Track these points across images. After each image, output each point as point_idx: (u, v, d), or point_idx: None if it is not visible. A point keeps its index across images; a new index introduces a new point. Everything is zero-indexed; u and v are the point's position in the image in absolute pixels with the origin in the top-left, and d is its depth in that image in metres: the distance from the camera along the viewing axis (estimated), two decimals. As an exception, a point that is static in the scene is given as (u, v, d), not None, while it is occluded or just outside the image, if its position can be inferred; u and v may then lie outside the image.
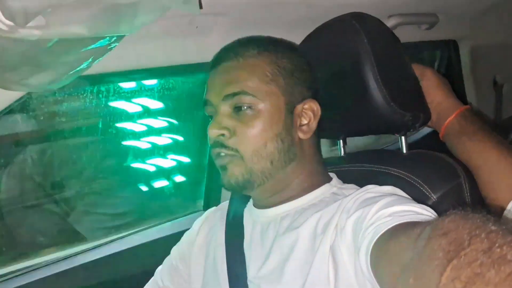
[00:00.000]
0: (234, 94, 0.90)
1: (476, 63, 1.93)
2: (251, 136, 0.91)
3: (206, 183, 1.54)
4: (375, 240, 0.71)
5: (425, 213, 0.75)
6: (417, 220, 0.71)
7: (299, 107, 0.95)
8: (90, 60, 0.93)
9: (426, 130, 1.66)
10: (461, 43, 1.87)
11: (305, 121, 0.96)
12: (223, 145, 0.92)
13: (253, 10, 1.11)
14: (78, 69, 0.94)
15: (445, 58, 1.95)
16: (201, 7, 0.91)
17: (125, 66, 1.11)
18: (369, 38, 0.99)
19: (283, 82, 0.93)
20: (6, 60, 0.72)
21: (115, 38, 0.85)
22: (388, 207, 0.76)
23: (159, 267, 1.16)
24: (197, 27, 1.11)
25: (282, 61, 0.95)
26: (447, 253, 0.47)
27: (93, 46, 0.80)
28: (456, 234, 0.48)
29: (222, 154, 0.92)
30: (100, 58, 0.96)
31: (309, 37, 1.13)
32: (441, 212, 0.75)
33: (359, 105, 1.03)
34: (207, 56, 1.09)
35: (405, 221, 0.71)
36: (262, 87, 0.91)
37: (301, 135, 0.95)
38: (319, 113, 0.96)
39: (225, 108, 0.92)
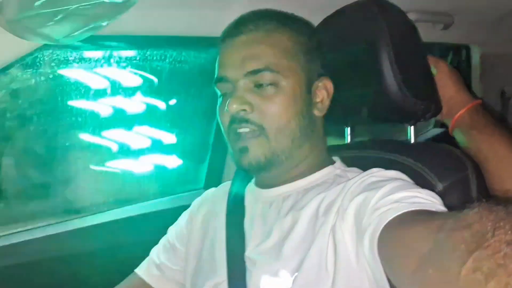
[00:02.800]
0: (258, 71, 0.88)
1: (486, 71, 1.92)
2: (275, 113, 0.89)
3: (209, 162, 1.53)
4: (383, 226, 0.70)
5: (431, 199, 0.75)
6: (432, 209, 0.70)
7: (315, 84, 0.95)
8: (107, 18, 0.93)
9: (434, 132, 1.67)
10: (473, 49, 1.87)
11: (319, 98, 0.96)
12: (246, 121, 0.89)
13: None
14: (93, 25, 0.93)
15: (455, 62, 1.95)
16: None
17: (139, 31, 1.10)
18: (388, 24, 0.99)
19: (302, 59, 0.92)
20: (28, 4, 0.71)
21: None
22: (394, 192, 0.76)
23: (154, 248, 1.15)
24: (216, -1, 1.10)
25: (302, 37, 0.94)
26: (469, 244, 0.46)
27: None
28: (480, 226, 0.47)
29: (246, 130, 0.89)
30: (116, 17, 0.95)
31: (326, 20, 1.13)
32: (446, 203, 0.76)
33: (371, 91, 1.03)
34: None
35: (418, 208, 0.70)
36: (284, 63, 0.90)
37: (316, 112, 0.95)
38: (332, 90, 0.97)
39: (245, 83, 0.89)
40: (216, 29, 1.16)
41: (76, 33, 0.90)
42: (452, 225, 0.53)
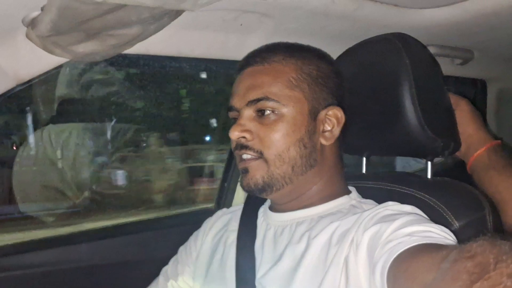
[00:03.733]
0: (258, 100, 0.91)
1: (502, 106, 1.93)
2: (275, 140, 0.91)
3: (221, 183, 1.53)
4: (393, 258, 0.70)
5: (444, 234, 0.75)
6: (441, 243, 0.70)
7: (322, 113, 0.95)
8: (136, 39, 0.94)
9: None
10: (490, 84, 1.87)
11: (328, 127, 0.96)
12: (246, 147, 0.92)
13: (298, 16, 1.12)
14: (121, 45, 0.95)
15: (471, 97, 1.95)
16: None
17: (164, 51, 1.11)
18: (410, 59, 1.00)
19: (307, 88, 0.94)
20: (64, 21, 0.72)
21: (165, 18, 0.86)
22: (407, 226, 0.76)
23: (165, 267, 1.16)
24: (241, 24, 1.11)
25: (308, 67, 0.95)
26: (471, 275, 0.48)
27: (144, 20, 0.80)
28: (482, 257, 0.49)
29: (247, 156, 0.92)
30: (144, 38, 0.97)
31: (348, 51, 1.13)
32: (463, 241, 0.76)
33: (390, 124, 1.03)
34: (245, 55, 1.10)
35: (427, 242, 0.70)
36: (285, 92, 0.92)
37: (323, 141, 0.95)
38: (343, 120, 0.97)
39: (248, 112, 0.93)
40: (239, 54, 1.18)
41: (104, 52, 0.91)
42: (456, 255, 0.54)
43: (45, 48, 0.89)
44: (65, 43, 0.85)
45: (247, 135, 0.92)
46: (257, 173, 0.92)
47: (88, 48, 0.87)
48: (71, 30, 0.79)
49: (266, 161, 0.92)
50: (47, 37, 0.84)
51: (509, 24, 1.30)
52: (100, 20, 0.75)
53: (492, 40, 1.45)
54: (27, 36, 0.87)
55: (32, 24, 0.83)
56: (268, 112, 0.91)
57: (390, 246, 0.73)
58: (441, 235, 0.74)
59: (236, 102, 0.95)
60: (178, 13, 0.84)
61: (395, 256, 0.70)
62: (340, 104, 0.98)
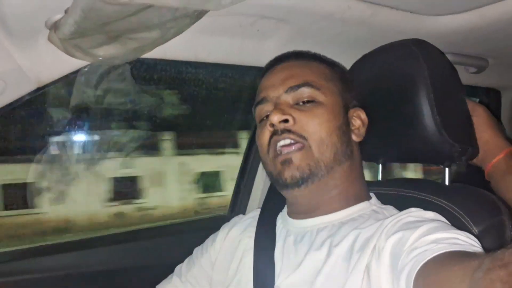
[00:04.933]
0: (298, 86, 0.93)
1: (515, 115, 1.92)
2: (317, 124, 0.92)
3: (235, 190, 1.53)
4: (420, 266, 0.69)
5: (470, 241, 0.74)
6: (470, 250, 0.70)
7: (351, 111, 0.99)
8: (155, 42, 0.95)
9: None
10: (504, 94, 1.86)
11: (356, 125, 1.00)
12: (289, 131, 0.91)
13: (314, 22, 1.12)
14: (140, 49, 0.96)
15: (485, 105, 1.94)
16: None
17: (181, 56, 1.12)
18: (428, 64, 1.00)
19: (339, 85, 0.98)
20: (88, 23, 0.73)
21: (186, 21, 0.87)
22: (431, 233, 0.76)
23: (179, 265, 1.15)
24: (258, 30, 1.12)
25: (337, 71, 1.01)
26: (505, 283, 0.48)
27: (165, 23, 0.81)
28: None
29: (288, 141, 0.91)
30: (164, 42, 0.98)
31: (365, 57, 1.14)
32: (482, 247, 0.75)
33: (407, 130, 1.02)
34: (262, 60, 1.11)
35: (455, 249, 0.70)
36: (323, 83, 0.95)
37: (354, 137, 0.98)
38: (367, 121, 1.00)
39: (287, 98, 0.94)
40: (255, 59, 1.19)
41: (124, 55, 0.92)
42: (488, 265, 0.53)
43: (66, 51, 0.90)
44: (87, 45, 0.86)
45: (289, 118, 0.91)
46: (303, 162, 0.91)
47: (109, 51, 0.88)
48: (93, 32, 0.80)
49: (310, 147, 0.91)
50: (69, 39, 0.85)
51: (526, 32, 1.29)
52: (123, 22, 0.76)
53: (507, 48, 1.45)
54: (49, 38, 0.88)
55: (55, 26, 0.84)
56: (306, 101, 0.93)
57: (416, 254, 0.72)
58: (467, 241, 0.73)
59: (271, 92, 0.95)
60: (199, 16, 0.85)
61: (422, 263, 0.69)
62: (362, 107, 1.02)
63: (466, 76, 1.64)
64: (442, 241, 0.73)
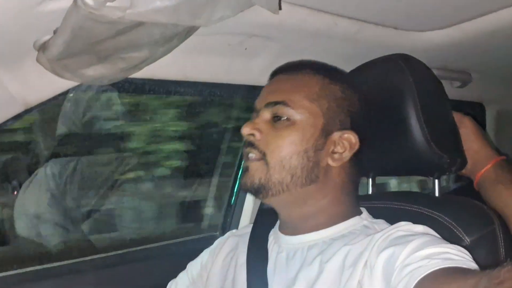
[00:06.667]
0: (275, 103, 0.93)
1: (500, 129, 1.95)
2: (280, 145, 0.92)
3: (226, 208, 1.52)
4: (415, 283, 0.69)
5: (462, 255, 0.74)
6: (464, 266, 0.70)
7: (335, 135, 0.95)
8: (144, 62, 0.95)
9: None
10: (488, 107, 1.90)
11: (339, 150, 0.95)
12: (252, 145, 0.94)
13: (301, 39, 1.14)
14: (129, 68, 0.96)
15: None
16: (280, 8, 0.93)
17: (170, 75, 1.13)
18: (414, 78, 1.02)
19: (326, 105, 0.94)
20: (77, 43, 0.74)
21: (174, 40, 0.87)
22: (423, 248, 0.75)
23: (172, 280, 1.14)
24: (246, 48, 1.13)
25: (333, 87, 0.96)
26: None
27: (155, 42, 0.82)
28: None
29: (251, 155, 0.94)
30: (152, 62, 0.98)
31: (352, 72, 1.15)
32: (474, 257, 0.75)
33: (396, 143, 1.04)
34: (250, 78, 1.12)
35: (449, 265, 0.70)
36: (304, 103, 0.93)
37: (330, 161, 0.94)
38: (357, 146, 0.95)
39: (265, 114, 0.95)
40: (244, 77, 1.20)
41: (112, 75, 0.92)
42: (485, 283, 0.54)
43: (54, 72, 0.90)
44: (76, 66, 0.86)
45: (256, 133, 0.93)
46: (256, 174, 0.92)
47: (97, 71, 0.88)
48: (83, 52, 0.80)
49: (267, 163, 0.92)
50: (57, 60, 0.85)
51: (506, 45, 1.33)
52: (112, 42, 0.76)
53: (489, 61, 1.48)
54: (37, 60, 0.88)
55: (43, 47, 0.84)
56: (283, 118, 0.93)
57: (410, 270, 0.72)
58: (460, 255, 0.73)
59: (257, 103, 0.98)
60: (187, 34, 0.86)
61: (417, 280, 0.69)
62: (357, 130, 0.96)
63: (451, 90, 1.66)
64: (434, 256, 0.73)
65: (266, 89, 0.99)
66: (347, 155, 0.95)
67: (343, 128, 0.95)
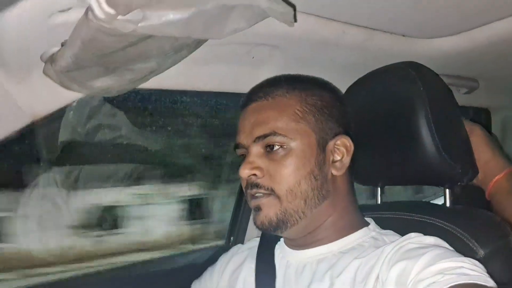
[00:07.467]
0: (265, 136, 0.90)
1: (506, 135, 1.94)
2: (285, 175, 0.90)
3: (231, 220, 1.51)
4: None
5: (476, 269, 0.73)
6: (479, 282, 0.69)
7: (331, 144, 0.94)
8: (151, 72, 0.94)
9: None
10: (494, 113, 1.89)
11: (338, 157, 0.95)
12: (257, 185, 0.91)
13: (308, 47, 1.13)
14: (137, 79, 0.95)
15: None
16: (295, 20, 0.91)
17: (178, 85, 1.12)
18: (425, 86, 1.00)
19: (313, 120, 0.93)
20: (86, 55, 0.72)
21: (184, 51, 0.86)
22: (436, 262, 0.74)
23: None
24: (253, 57, 1.12)
25: (312, 98, 0.95)
26: None
27: (164, 53, 0.81)
28: None
29: (258, 194, 0.91)
30: (160, 73, 0.97)
31: (360, 80, 1.14)
32: (488, 269, 0.74)
33: (406, 152, 1.02)
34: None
35: (465, 282, 0.69)
36: (292, 125, 0.91)
37: (334, 171, 0.94)
38: (352, 149, 0.95)
39: (256, 149, 0.92)
40: (251, 87, 1.19)
41: (120, 86, 0.91)
42: None
43: (62, 84, 0.89)
44: (83, 78, 0.85)
45: (257, 172, 0.90)
46: (271, 210, 0.90)
47: (105, 83, 0.87)
48: (91, 64, 0.79)
49: (278, 197, 0.90)
50: (65, 72, 0.84)
51: (514, 52, 1.32)
52: (121, 54, 0.75)
53: (497, 68, 1.47)
54: (44, 72, 0.87)
55: (51, 59, 0.83)
56: (276, 147, 0.90)
57: (423, 286, 0.71)
58: (474, 269, 0.72)
59: (243, 139, 0.94)
60: (197, 45, 0.85)
61: None
62: (347, 132, 0.97)
63: (457, 97, 1.64)
64: (448, 271, 0.72)
65: (246, 122, 0.94)
66: (347, 159, 0.95)
67: (335, 135, 0.95)
